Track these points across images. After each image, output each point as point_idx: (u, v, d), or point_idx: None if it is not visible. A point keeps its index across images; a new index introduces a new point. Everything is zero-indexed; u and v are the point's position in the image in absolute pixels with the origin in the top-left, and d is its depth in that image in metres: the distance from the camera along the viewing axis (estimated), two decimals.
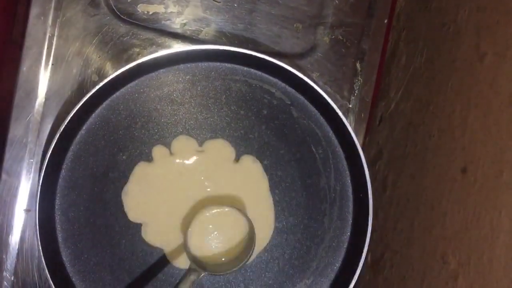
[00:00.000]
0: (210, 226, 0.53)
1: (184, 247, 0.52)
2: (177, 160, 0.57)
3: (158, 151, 0.56)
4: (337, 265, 0.58)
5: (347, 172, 0.58)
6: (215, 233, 0.53)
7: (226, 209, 0.53)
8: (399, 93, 0.65)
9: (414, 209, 0.57)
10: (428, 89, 0.59)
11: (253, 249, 0.54)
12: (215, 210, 0.53)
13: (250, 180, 0.57)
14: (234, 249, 0.54)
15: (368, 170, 0.55)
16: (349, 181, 0.58)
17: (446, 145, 0.54)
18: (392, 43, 0.69)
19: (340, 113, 0.55)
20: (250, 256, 0.54)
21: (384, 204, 0.63)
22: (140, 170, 0.56)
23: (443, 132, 0.55)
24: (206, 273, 0.51)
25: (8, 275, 0.57)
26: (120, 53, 0.59)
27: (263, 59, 0.54)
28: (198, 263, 0.52)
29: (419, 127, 0.59)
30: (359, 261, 0.55)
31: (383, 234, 0.62)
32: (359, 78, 0.63)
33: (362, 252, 0.55)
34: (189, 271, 0.51)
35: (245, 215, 0.54)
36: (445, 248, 0.51)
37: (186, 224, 0.55)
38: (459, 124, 0.52)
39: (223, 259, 0.53)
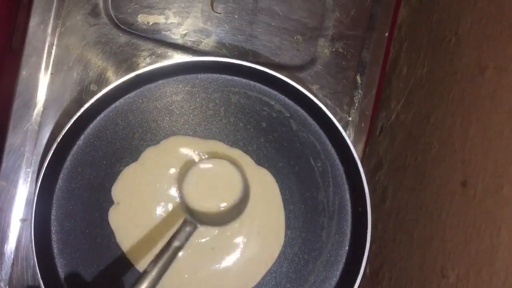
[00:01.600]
0: (205, 179, 0.53)
1: (180, 198, 0.52)
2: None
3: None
4: (334, 279, 0.58)
5: (346, 186, 0.58)
6: (210, 185, 0.53)
7: (221, 162, 0.53)
8: (400, 104, 0.65)
9: (413, 221, 0.57)
10: (429, 100, 0.59)
11: (248, 202, 0.53)
12: (210, 164, 0.53)
13: (264, 194, 0.57)
14: (228, 202, 0.53)
15: (368, 181, 0.55)
16: (348, 195, 0.58)
17: (446, 158, 0.54)
18: (394, 54, 0.69)
19: (339, 127, 0.55)
20: (244, 209, 0.53)
21: (384, 215, 0.62)
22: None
23: (444, 144, 0.55)
24: (201, 225, 0.51)
25: (2, 284, 0.57)
26: (119, 63, 0.59)
27: (263, 71, 0.54)
28: (193, 216, 0.51)
29: (420, 138, 0.59)
30: (357, 276, 0.54)
31: (382, 246, 0.61)
32: (359, 91, 0.63)
33: (360, 267, 0.54)
34: (184, 223, 0.50)
35: (239, 168, 0.53)
36: (444, 262, 0.50)
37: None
38: (460, 136, 0.52)
39: (217, 212, 0.53)
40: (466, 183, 0.50)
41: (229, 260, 0.56)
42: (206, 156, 0.55)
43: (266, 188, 0.57)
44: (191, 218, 0.51)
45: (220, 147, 0.57)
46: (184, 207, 0.52)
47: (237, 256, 0.56)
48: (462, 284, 0.47)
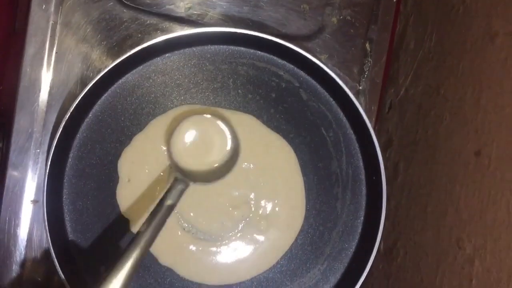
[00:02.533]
0: (192, 136, 0.52)
1: (169, 157, 0.52)
2: None
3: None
4: (351, 250, 0.57)
5: (359, 155, 0.57)
6: (197, 142, 0.52)
7: (208, 117, 0.52)
8: (408, 78, 0.65)
9: (426, 195, 0.57)
10: (438, 73, 0.59)
11: (238, 157, 0.53)
12: (196, 120, 0.52)
13: (280, 160, 0.57)
14: (217, 159, 0.52)
15: (380, 152, 0.54)
16: (362, 164, 0.57)
17: (459, 129, 0.53)
18: (400, 29, 0.68)
19: (351, 95, 0.54)
20: (235, 165, 0.53)
21: (396, 191, 0.62)
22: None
23: (455, 115, 0.54)
24: (192, 182, 0.51)
25: (17, 267, 0.57)
26: (124, 39, 0.58)
27: (270, 40, 0.53)
28: (183, 174, 0.51)
29: (430, 111, 0.59)
30: (374, 245, 0.54)
31: (395, 222, 0.61)
32: (369, 59, 0.62)
33: (376, 236, 0.54)
34: (175, 181, 0.50)
35: (226, 123, 0.53)
36: (460, 233, 0.50)
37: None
38: (471, 106, 0.52)
39: (207, 169, 0.52)
40: (480, 153, 0.49)
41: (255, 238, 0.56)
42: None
43: (280, 154, 0.57)
44: (182, 176, 0.50)
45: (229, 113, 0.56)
46: (173, 165, 0.52)
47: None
48: (479, 254, 0.47)
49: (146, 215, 0.50)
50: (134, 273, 0.43)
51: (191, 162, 0.51)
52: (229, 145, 0.52)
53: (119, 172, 0.55)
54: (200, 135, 0.52)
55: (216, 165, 0.52)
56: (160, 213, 0.47)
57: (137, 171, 0.55)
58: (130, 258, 0.42)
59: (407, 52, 0.66)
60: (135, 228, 0.55)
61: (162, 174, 0.55)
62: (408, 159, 0.62)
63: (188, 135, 0.52)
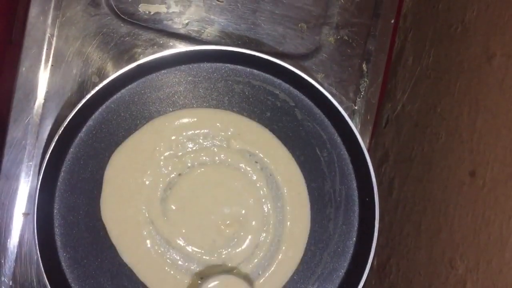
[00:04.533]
0: None
1: None
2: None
3: None
4: (342, 271, 0.57)
5: (353, 176, 0.57)
6: None
7: (229, 277, 0.53)
8: (406, 94, 0.65)
9: (421, 212, 0.57)
10: (435, 90, 0.59)
11: None
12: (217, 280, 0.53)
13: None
14: None
15: (374, 173, 0.54)
16: (355, 185, 0.57)
17: (454, 148, 0.53)
18: (399, 44, 0.68)
19: (345, 115, 0.54)
20: None
21: (390, 207, 0.62)
22: None
23: (451, 134, 0.55)
24: None
25: (6, 280, 0.56)
26: (121, 54, 0.58)
27: (267, 59, 0.53)
28: None
29: (426, 129, 0.59)
30: (365, 267, 0.54)
31: (389, 238, 0.61)
32: (365, 79, 0.62)
33: (368, 257, 0.54)
34: None
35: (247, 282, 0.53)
36: (453, 253, 0.50)
37: None
38: (467, 126, 0.52)
39: None
40: (475, 173, 0.50)
41: None
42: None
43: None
44: None
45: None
46: None
47: None
48: (471, 275, 0.47)
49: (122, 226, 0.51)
50: None
51: None
52: None
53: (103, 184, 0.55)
54: None
55: None
56: None
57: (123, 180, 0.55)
58: None
59: (405, 68, 0.66)
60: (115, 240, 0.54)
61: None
62: (403, 175, 0.62)
63: None
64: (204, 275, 0.55)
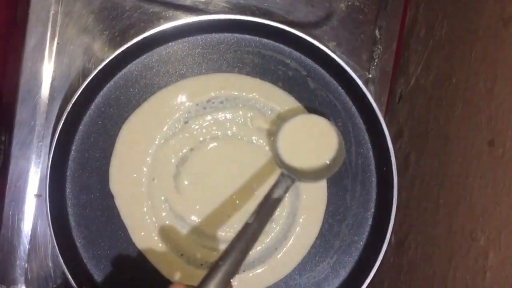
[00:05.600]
0: (300, 134, 0.51)
1: (275, 154, 0.51)
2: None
3: None
4: (361, 243, 0.56)
5: (369, 145, 0.56)
6: (305, 141, 0.51)
7: (316, 117, 0.52)
8: (419, 68, 0.64)
9: (438, 186, 0.56)
10: (450, 61, 0.58)
11: (344, 157, 0.52)
12: (304, 118, 0.52)
13: None
14: (325, 159, 0.51)
15: (391, 141, 0.53)
16: (371, 154, 0.56)
17: (471, 118, 0.53)
18: (410, 17, 0.67)
19: (360, 83, 0.53)
20: (341, 164, 0.52)
21: (407, 183, 0.61)
22: None
23: (468, 104, 0.54)
24: (297, 180, 0.50)
25: (22, 262, 0.56)
26: (126, 29, 0.57)
27: (276, 27, 0.52)
28: (288, 170, 0.50)
29: (442, 101, 0.58)
30: (385, 238, 0.53)
31: (406, 215, 0.61)
32: (379, 46, 0.61)
33: (387, 228, 0.53)
34: (282, 176, 0.49)
35: (333, 125, 0.52)
36: (473, 225, 0.49)
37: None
38: (484, 94, 0.51)
39: (313, 167, 0.51)
40: (494, 142, 0.48)
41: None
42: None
43: None
44: (288, 172, 0.50)
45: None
46: (278, 161, 0.51)
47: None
48: (493, 246, 0.46)
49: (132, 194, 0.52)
50: (241, 263, 0.43)
51: (298, 162, 0.51)
52: (337, 145, 0.51)
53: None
54: (308, 134, 0.51)
55: (324, 164, 0.51)
56: (267, 206, 0.47)
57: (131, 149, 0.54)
58: (236, 249, 0.43)
59: (417, 40, 0.65)
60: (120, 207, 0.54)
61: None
62: (419, 150, 0.61)
63: (296, 133, 0.51)
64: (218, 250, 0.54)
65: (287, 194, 0.49)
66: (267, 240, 0.55)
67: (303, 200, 0.56)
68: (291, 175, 0.49)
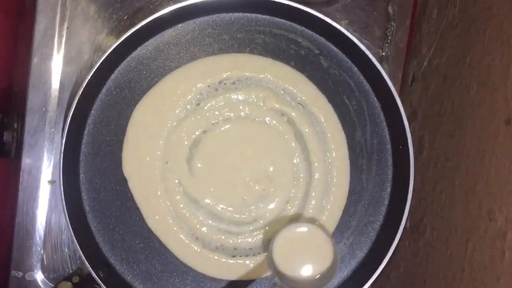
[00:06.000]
0: (296, 243, 0.50)
1: (269, 262, 0.51)
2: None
3: None
4: (378, 223, 0.56)
5: (384, 124, 0.56)
6: (301, 250, 0.50)
7: (313, 227, 0.51)
8: (432, 49, 0.63)
9: (454, 168, 0.55)
10: (464, 40, 0.57)
11: (335, 270, 0.51)
12: (302, 227, 0.51)
13: None
14: (320, 270, 0.50)
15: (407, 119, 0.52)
16: (387, 132, 0.55)
17: (487, 97, 0.51)
18: None
19: (374, 60, 0.52)
20: (333, 276, 0.51)
21: (421, 166, 0.61)
22: None
23: (483, 84, 0.52)
24: None
25: (37, 248, 0.56)
26: (136, 12, 0.57)
27: (288, 5, 0.51)
28: (283, 279, 0.50)
29: (456, 82, 0.57)
30: (402, 217, 0.53)
31: (421, 198, 0.60)
32: (392, 23, 0.60)
33: (404, 207, 0.52)
34: (274, 285, 0.50)
35: (329, 236, 0.51)
36: (490, 205, 0.48)
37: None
38: (500, 72, 0.50)
39: (308, 279, 0.50)
40: (510, 121, 0.47)
41: None
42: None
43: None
44: (280, 281, 0.50)
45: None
46: (272, 269, 0.50)
47: None
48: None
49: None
50: None
51: (289, 268, 0.50)
52: (332, 257, 0.50)
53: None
54: (303, 244, 0.50)
55: (319, 275, 0.50)
56: None
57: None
58: None
59: (429, 21, 0.64)
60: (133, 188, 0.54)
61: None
62: (433, 132, 0.60)
63: (293, 239, 0.50)
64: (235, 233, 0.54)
65: None
66: (283, 222, 0.55)
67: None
68: (284, 285, 0.49)
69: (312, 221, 0.54)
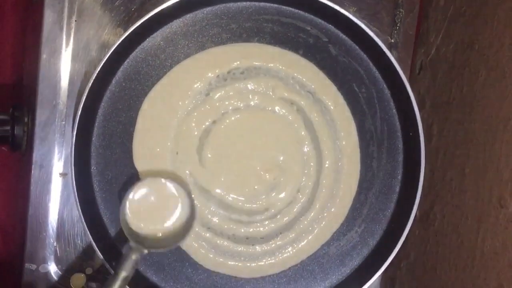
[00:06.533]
0: (148, 198, 0.51)
1: (122, 223, 0.51)
2: None
3: None
4: (389, 211, 0.56)
5: (394, 111, 0.55)
6: (152, 205, 0.51)
7: (162, 180, 0.51)
8: (439, 36, 0.62)
9: (464, 156, 0.55)
10: (472, 27, 0.56)
11: (193, 223, 0.52)
12: (151, 180, 0.51)
13: None
14: (173, 223, 0.51)
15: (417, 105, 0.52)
16: (397, 120, 0.55)
17: (496, 84, 0.51)
18: None
19: (383, 47, 0.52)
20: (189, 231, 0.51)
21: (431, 155, 0.60)
22: None
23: (492, 70, 0.52)
24: (146, 251, 0.49)
25: (50, 240, 0.57)
26: (143, 3, 0.57)
27: None
28: (136, 239, 0.50)
29: (464, 69, 0.57)
30: (413, 204, 0.53)
31: (431, 187, 0.60)
32: (401, 10, 0.60)
33: (416, 194, 0.53)
34: (130, 250, 0.49)
35: (183, 188, 0.51)
36: (501, 192, 0.48)
37: None
38: (509, 59, 0.49)
39: (160, 234, 0.51)
40: None
41: None
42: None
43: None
44: (135, 243, 0.49)
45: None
46: (126, 230, 0.50)
47: None
48: None
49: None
50: None
51: (143, 226, 0.50)
52: (179, 211, 0.51)
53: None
54: (155, 198, 0.51)
55: (169, 230, 0.51)
56: (115, 286, 0.47)
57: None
58: None
59: (437, 9, 0.63)
60: None
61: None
62: (442, 120, 0.60)
63: (142, 197, 0.51)
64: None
65: None
66: (294, 210, 0.55)
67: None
68: (139, 246, 0.49)
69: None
